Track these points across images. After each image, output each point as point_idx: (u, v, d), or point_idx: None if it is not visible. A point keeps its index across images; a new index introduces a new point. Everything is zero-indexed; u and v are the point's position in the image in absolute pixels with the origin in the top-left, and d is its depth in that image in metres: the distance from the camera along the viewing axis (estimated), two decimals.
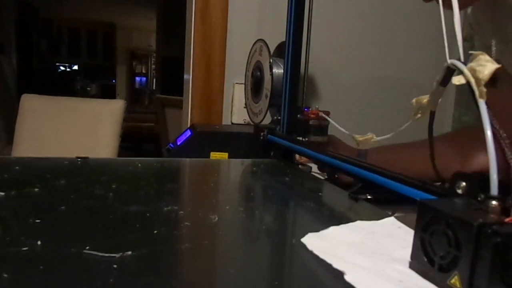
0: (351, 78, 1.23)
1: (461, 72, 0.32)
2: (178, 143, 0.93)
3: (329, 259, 0.30)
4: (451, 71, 0.36)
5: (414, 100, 0.41)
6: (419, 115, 0.41)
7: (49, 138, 1.55)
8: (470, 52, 0.32)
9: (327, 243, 0.33)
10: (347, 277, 0.27)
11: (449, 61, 0.35)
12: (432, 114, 0.40)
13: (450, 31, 0.36)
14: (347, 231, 0.36)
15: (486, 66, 0.29)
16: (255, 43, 0.99)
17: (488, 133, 0.27)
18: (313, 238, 0.34)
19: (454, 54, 0.36)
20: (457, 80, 0.32)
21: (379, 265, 0.29)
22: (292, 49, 0.76)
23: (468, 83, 0.31)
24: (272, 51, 0.92)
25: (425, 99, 0.39)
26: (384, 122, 1.26)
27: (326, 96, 1.21)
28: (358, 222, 0.38)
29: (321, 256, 0.30)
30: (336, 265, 0.28)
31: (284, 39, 0.79)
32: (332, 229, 0.36)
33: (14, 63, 4.35)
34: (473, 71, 0.30)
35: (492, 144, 0.27)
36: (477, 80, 0.30)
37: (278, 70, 0.88)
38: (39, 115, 1.57)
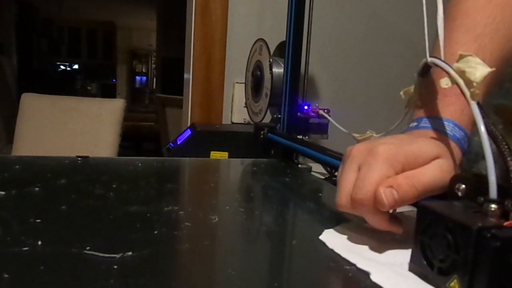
0: (352, 76, 1.23)
1: (444, 71, 0.32)
2: (178, 143, 0.93)
3: (352, 259, 0.30)
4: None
5: (402, 92, 0.41)
6: (410, 108, 0.41)
7: (49, 137, 1.55)
8: (460, 52, 0.31)
9: (346, 241, 0.33)
10: (373, 277, 0.27)
11: (429, 59, 0.35)
12: None
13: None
14: (360, 227, 0.36)
15: (477, 68, 0.29)
16: (255, 42, 0.99)
17: (484, 135, 0.27)
18: (331, 235, 0.35)
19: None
20: (445, 83, 0.32)
21: (398, 259, 0.29)
22: (292, 48, 0.76)
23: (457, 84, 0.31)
24: (272, 50, 0.92)
25: (411, 89, 0.39)
26: (384, 120, 1.25)
27: (326, 95, 1.21)
28: None
29: (343, 255, 0.30)
30: (361, 265, 0.29)
31: (284, 39, 0.79)
32: (346, 225, 0.37)
33: (14, 63, 4.35)
34: (462, 72, 0.30)
35: (489, 146, 0.26)
36: (468, 82, 0.29)
37: (278, 70, 0.88)
38: (39, 114, 1.57)
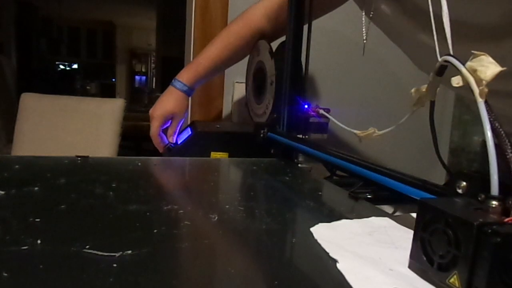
0: (352, 76, 1.23)
1: (457, 69, 0.32)
2: (179, 142, 0.93)
3: (328, 248, 0.30)
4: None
5: (413, 90, 0.41)
6: (419, 106, 0.41)
7: (49, 137, 1.55)
8: (472, 51, 0.31)
9: (335, 234, 0.34)
10: (339, 265, 0.28)
11: (440, 57, 0.35)
12: (432, 104, 0.40)
13: None
14: (359, 224, 0.37)
15: (489, 67, 0.29)
16: (257, 42, 0.99)
17: (488, 133, 0.27)
18: (321, 228, 0.36)
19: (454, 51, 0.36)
20: (456, 82, 0.32)
21: (378, 252, 0.30)
22: (292, 48, 0.76)
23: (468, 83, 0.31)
24: (273, 50, 0.92)
25: (423, 88, 0.40)
26: (385, 118, 1.25)
27: (326, 94, 1.21)
28: (372, 218, 0.39)
29: (323, 245, 0.31)
30: (333, 253, 0.29)
31: (284, 39, 0.79)
32: (344, 221, 0.37)
33: (13, 62, 4.35)
34: (473, 71, 0.30)
35: (493, 144, 0.26)
36: (478, 80, 0.30)
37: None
38: (38, 114, 1.57)
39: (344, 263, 0.28)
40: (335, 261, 0.29)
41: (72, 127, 1.55)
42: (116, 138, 1.56)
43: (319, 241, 0.32)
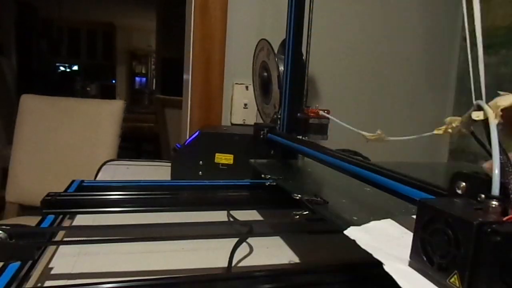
0: (352, 76, 1.23)
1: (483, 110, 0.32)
2: (186, 144, 0.92)
3: (370, 250, 0.30)
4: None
5: (448, 118, 0.41)
6: (441, 132, 0.41)
7: (49, 138, 1.55)
8: (498, 91, 0.32)
9: (370, 237, 0.34)
10: (386, 268, 0.27)
11: (475, 102, 0.35)
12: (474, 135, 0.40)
13: None
14: (387, 225, 0.37)
15: (508, 97, 0.30)
16: (259, 42, 0.99)
17: (494, 133, 0.27)
18: (356, 231, 0.35)
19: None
20: (476, 115, 0.32)
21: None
22: (292, 48, 0.76)
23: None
24: (277, 48, 0.91)
25: (456, 121, 0.39)
26: (384, 119, 1.26)
27: (326, 95, 1.21)
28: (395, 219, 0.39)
29: (363, 247, 0.31)
30: (377, 255, 0.29)
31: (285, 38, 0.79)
32: (374, 223, 0.37)
33: (13, 63, 4.35)
34: (494, 104, 0.31)
35: (497, 142, 0.26)
36: (495, 107, 0.30)
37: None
38: (38, 115, 1.57)
39: (390, 266, 0.27)
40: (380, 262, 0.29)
41: (72, 129, 1.55)
42: (116, 139, 1.56)
43: (357, 242, 0.32)
